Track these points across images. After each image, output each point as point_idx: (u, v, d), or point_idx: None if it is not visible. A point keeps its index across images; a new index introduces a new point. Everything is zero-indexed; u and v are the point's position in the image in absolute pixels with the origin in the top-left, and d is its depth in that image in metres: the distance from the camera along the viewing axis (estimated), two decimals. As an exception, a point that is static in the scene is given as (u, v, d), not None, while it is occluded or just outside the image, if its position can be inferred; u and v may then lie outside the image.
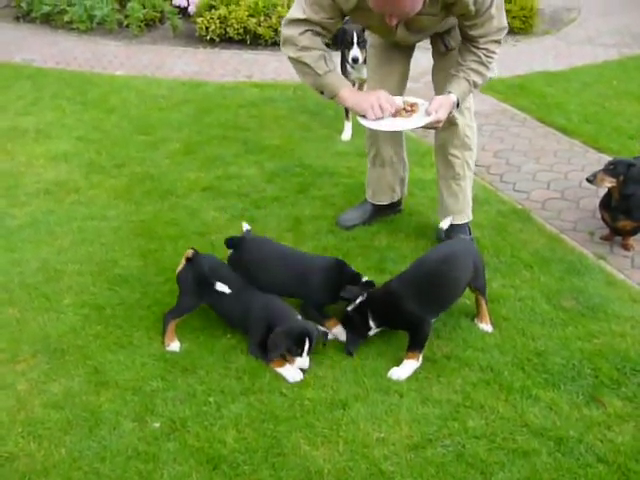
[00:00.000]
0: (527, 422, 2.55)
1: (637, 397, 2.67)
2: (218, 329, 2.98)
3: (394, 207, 3.97)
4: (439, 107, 3.06)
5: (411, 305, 2.77)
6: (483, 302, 3.05)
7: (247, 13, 7.42)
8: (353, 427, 2.51)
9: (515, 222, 3.94)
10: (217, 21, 7.45)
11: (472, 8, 2.94)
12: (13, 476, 2.30)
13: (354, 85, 4.68)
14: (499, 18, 3.07)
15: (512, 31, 7.91)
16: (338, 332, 2.94)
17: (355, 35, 4.68)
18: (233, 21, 7.43)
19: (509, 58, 7.09)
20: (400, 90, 3.54)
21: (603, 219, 3.81)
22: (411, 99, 3.20)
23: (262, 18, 7.44)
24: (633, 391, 2.70)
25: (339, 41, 4.95)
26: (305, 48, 3.06)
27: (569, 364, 2.83)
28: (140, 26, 7.76)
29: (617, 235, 3.79)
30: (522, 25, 8.22)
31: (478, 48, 3.12)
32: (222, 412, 2.56)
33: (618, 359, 2.86)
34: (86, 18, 7.77)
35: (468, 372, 2.79)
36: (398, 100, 3.16)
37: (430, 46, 3.48)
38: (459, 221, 3.63)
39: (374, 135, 3.69)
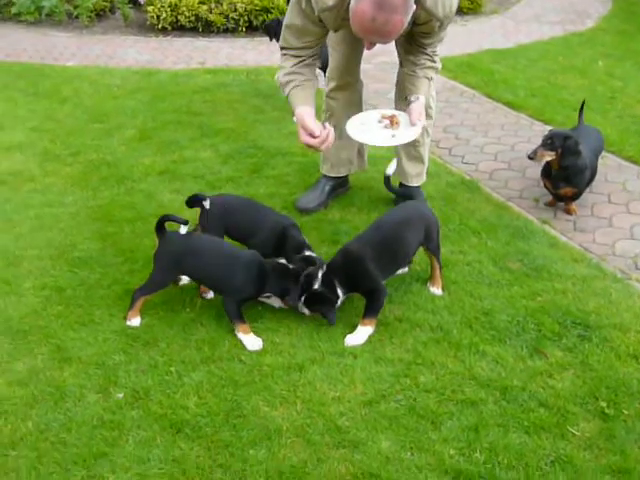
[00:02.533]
0: (475, 375, 2.69)
1: (577, 347, 2.84)
2: (177, 304, 3.07)
3: (346, 183, 4.08)
4: (419, 115, 3.26)
5: (371, 267, 2.89)
6: (437, 266, 3.18)
7: (198, 0, 7.44)
8: (310, 388, 2.62)
9: (464, 192, 4.09)
10: (168, 9, 7.45)
11: (437, 29, 3.18)
12: (-20, 450, 2.37)
13: None
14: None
15: (461, 11, 8.11)
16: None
17: None
18: (184, 9, 7.44)
19: (458, 37, 7.25)
20: (357, 66, 3.74)
21: (546, 187, 3.98)
22: (387, 111, 3.36)
23: (213, 5, 7.47)
24: (573, 342, 2.87)
25: (273, 33, 5.00)
26: (281, 67, 3.29)
27: (514, 321, 2.99)
28: (90, 16, 7.71)
29: (560, 201, 3.96)
30: (471, 5, 8.39)
31: (427, 50, 3.34)
32: (183, 380, 2.66)
33: (560, 314, 3.02)
34: (34, 9, 7.69)
35: (419, 332, 2.92)
36: (375, 113, 3.35)
37: None
38: (416, 183, 3.87)
39: (332, 107, 3.82)
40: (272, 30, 4.98)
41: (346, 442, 2.39)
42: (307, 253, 3.13)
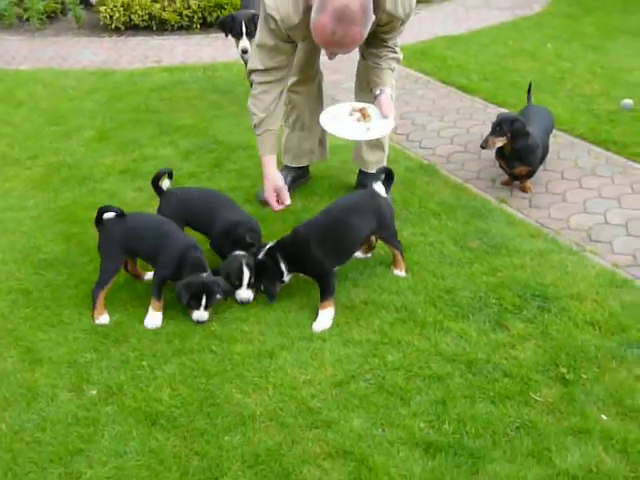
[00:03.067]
0: (440, 351, 2.78)
1: (537, 318, 2.94)
2: (146, 299, 3.08)
3: (307, 173, 4.14)
4: (390, 107, 3.34)
5: (316, 250, 2.96)
6: (396, 252, 3.25)
7: (150, -1, 7.43)
8: (281, 373, 2.68)
9: (422, 176, 4.18)
10: (121, 9, 7.43)
11: (398, 27, 3.30)
12: (-45, 454, 2.37)
13: None
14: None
15: (412, -1, 8.17)
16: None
17: (244, 25, 4.74)
18: (137, 8, 7.42)
19: (411, 26, 7.23)
20: (317, 60, 3.81)
21: (501, 167, 4.09)
22: (357, 104, 3.43)
23: (166, 3, 7.48)
24: (533, 313, 2.97)
25: (227, 29, 5.02)
26: (256, 98, 3.34)
27: (476, 297, 3.08)
28: (41, 19, 7.64)
29: (515, 180, 4.07)
30: (422, -7, 8.48)
31: (389, 43, 3.41)
32: (156, 373, 2.69)
33: (519, 287, 3.12)
34: (-17, 14, 7.60)
35: (385, 314, 3.00)
36: (346, 106, 3.41)
37: None
38: (374, 170, 3.87)
39: (294, 100, 3.87)
40: (227, 26, 4.99)
41: (319, 422, 2.45)
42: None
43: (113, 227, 3.05)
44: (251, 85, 3.49)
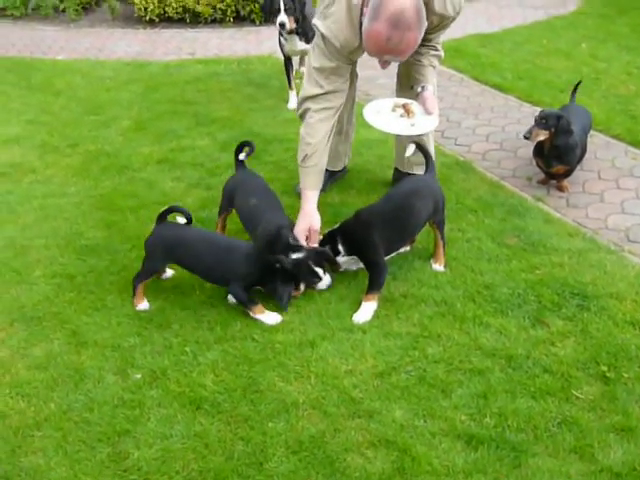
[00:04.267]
0: (480, 345, 2.79)
1: (576, 316, 2.95)
2: (187, 287, 3.14)
3: (344, 169, 4.16)
4: (434, 103, 3.32)
5: (375, 236, 3.02)
6: (441, 243, 3.27)
7: (185, -9, 7.48)
8: (322, 363, 2.71)
9: (458, 173, 4.19)
10: (155, 1, 7.48)
11: (449, 26, 3.28)
12: (7, 431, 2.43)
13: (290, 60, 4.84)
14: None
15: (445, -3, 8.14)
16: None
17: (282, 3, 4.73)
18: (171, 0, 7.46)
19: (443, 23, 7.31)
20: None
21: (538, 165, 4.08)
22: (400, 100, 3.42)
23: (200, -4, 7.51)
24: (572, 311, 2.97)
25: (266, 10, 5.01)
26: (312, 128, 3.28)
27: (515, 293, 3.09)
28: (77, 10, 7.73)
29: (552, 179, 4.07)
30: (454, -9, 8.45)
31: (432, 42, 3.38)
32: (199, 360, 2.73)
33: (558, 285, 3.13)
34: (20, 4, 7.70)
35: (424, 307, 3.02)
36: (388, 102, 3.39)
37: None
38: (419, 172, 3.84)
39: None
40: (267, 5, 4.97)
41: (361, 412, 2.48)
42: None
43: (164, 234, 3.02)
44: (301, 117, 3.41)
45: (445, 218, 3.30)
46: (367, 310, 2.96)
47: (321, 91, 3.26)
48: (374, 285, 3.02)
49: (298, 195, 3.84)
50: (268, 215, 3.21)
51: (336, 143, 3.97)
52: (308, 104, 3.31)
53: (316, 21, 3.24)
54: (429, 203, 3.18)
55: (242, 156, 3.46)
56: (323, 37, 3.16)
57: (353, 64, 3.35)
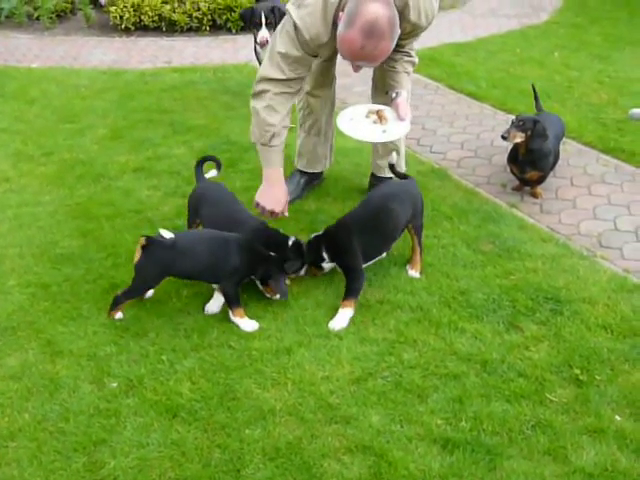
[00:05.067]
0: (455, 350, 2.82)
1: (549, 321, 2.99)
2: (163, 295, 3.13)
3: (321, 176, 4.18)
4: (406, 109, 3.34)
5: (355, 241, 3.05)
6: (418, 249, 3.31)
7: (161, 0, 7.46)
8: (299, 369, 2.72)
9: (434, 180, 4.23)
10: (131, 9, 7.46)
11: (419, 34, 3.33)
12: (-20, 442, 2.40)
13: None
14: None
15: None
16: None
17: (263, 16, 4.73)
18: (147, 8, 7.45)
19: (419, 32, 7.38)
20: (335, 65, 3.80)
21: (512, 172, 4.13)
22: (374, 106, 3.44)
23: (176, 4, 7.51)
24: (546, 316, 3.02)
25: (247, 21, 5.01)
26: (272, 109, 3.25)
27: (490, 298, 3.13)
28: (51, 18, 7.68)
29: (526, 185, 4.12)
30: (429, 0, 8.54)
31: (405, 48, 3.41)
32: (175, 368, 2.73)
33: (532, 290, 3.17)
34: (-7, 12, 7.63)
35: (400, 313, 3.04)
36: (362, 108, 3.41)
37: None
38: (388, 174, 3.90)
39: (312, 105, 3.91)
40: (247, 16, 4.94)
41: (338, 418, 2.50)
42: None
43: (157, 252, 2.89)
44: (256, 95, 3.30)
45: (422, 223, 3.33)
46: (343, 317, 2.97)
47: (283, 77, 3.22)
48: (351, 291, 3.04)
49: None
50: (239, 216, 3.28)
51: (314, 144, 4.01)
52: (267, 86, 3.24)
53: (290, 7, 3.19)
54: (408, 207, 3.20)
55: (213, 173, 3.50)
56: (295, 26, 3.13)
57: (329, 60, 3.35)
